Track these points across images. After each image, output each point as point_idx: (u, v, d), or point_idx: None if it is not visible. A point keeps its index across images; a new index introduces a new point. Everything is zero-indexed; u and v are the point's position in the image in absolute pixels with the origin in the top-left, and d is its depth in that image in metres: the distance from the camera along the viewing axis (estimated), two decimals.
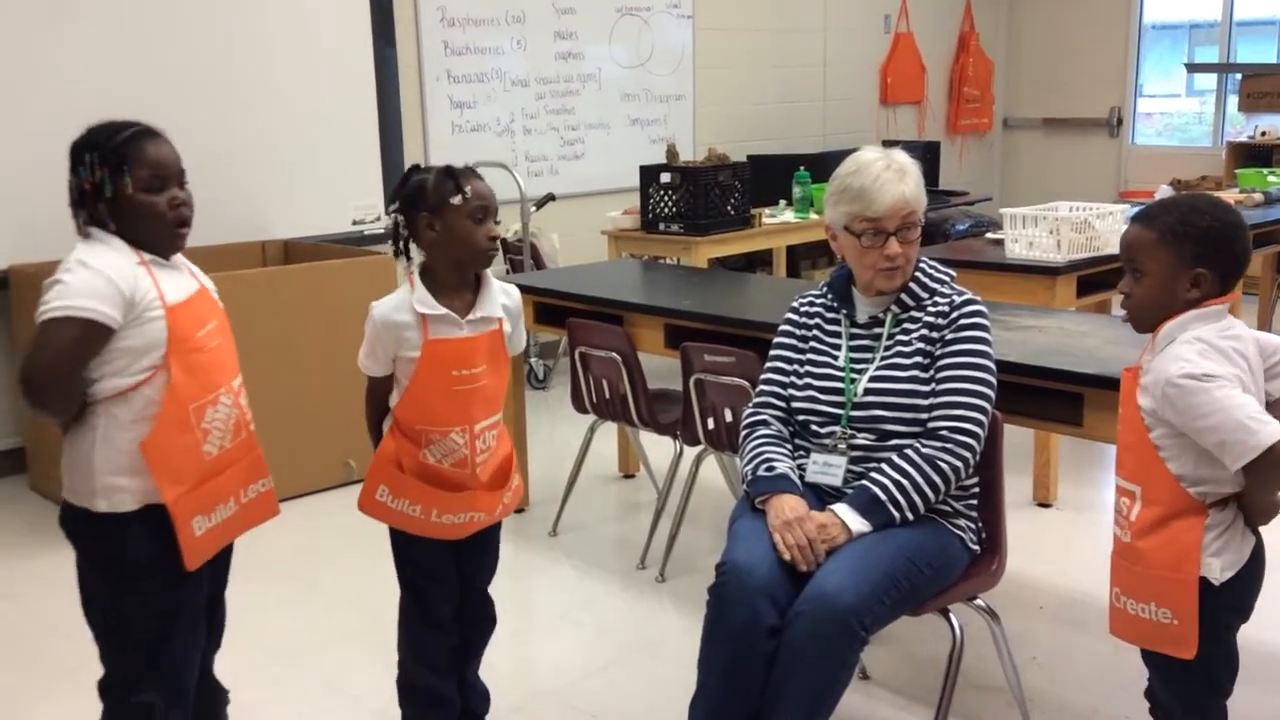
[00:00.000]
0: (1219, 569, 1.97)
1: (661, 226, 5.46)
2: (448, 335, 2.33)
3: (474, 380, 2.36)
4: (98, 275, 2.02)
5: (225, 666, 2.51)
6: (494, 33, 6.15)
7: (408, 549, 2.45)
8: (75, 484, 2.13)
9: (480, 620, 2.60)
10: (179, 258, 2.22)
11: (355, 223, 5.52)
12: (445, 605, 2.49)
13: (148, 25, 4.76)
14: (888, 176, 2.43)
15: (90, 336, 2.02)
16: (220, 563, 2.39)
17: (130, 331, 2.05)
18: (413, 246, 2.36)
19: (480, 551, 2.56)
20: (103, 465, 2.09)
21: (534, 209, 5.79)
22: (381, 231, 5.56)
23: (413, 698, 2.52)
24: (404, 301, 2.33)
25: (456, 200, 2.29)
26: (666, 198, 5.43)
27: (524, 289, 4.11)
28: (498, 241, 2.35)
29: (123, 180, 2.07)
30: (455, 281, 2.36)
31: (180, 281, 2.18)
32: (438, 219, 2.30)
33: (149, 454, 2.08)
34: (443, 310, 2.32)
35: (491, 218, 2.34)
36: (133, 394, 2.08)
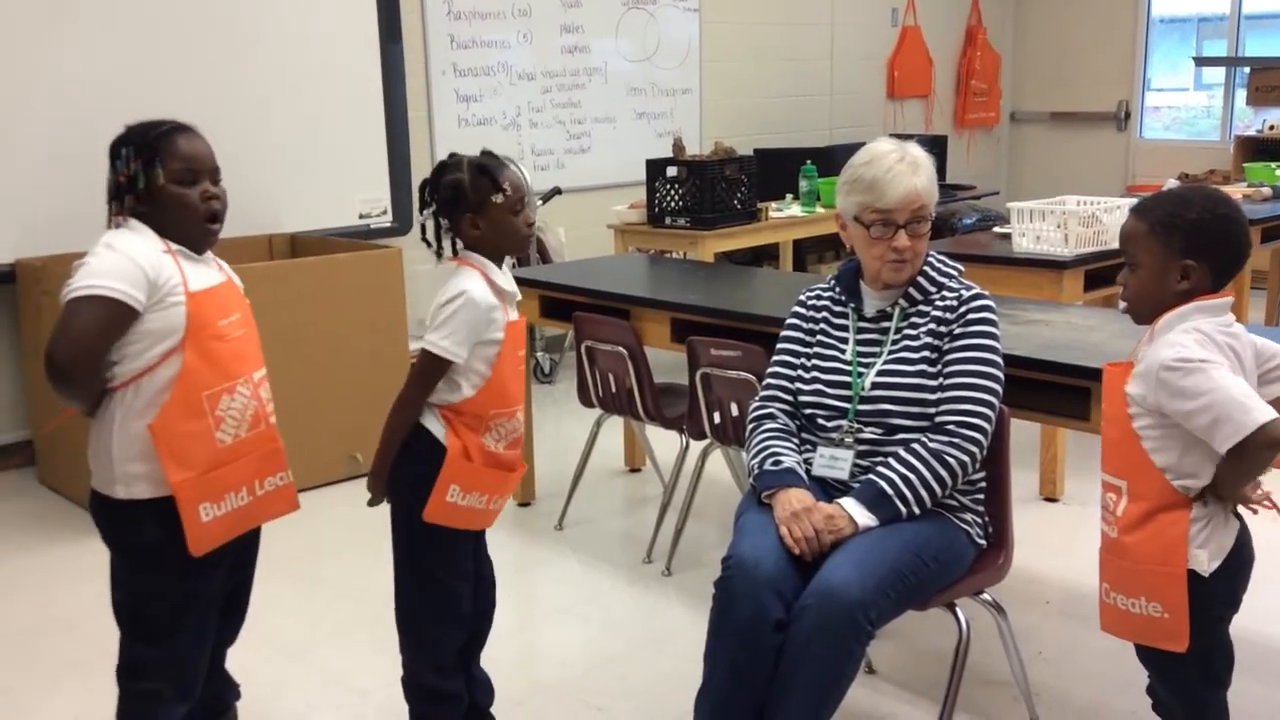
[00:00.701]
0: (1207, 560, 1.98)
1: (668, 220, 5.45)
2: (513, 317, 2.39)
3: (524, 359, 2.46)
4: (123, 258, 2.07)
5: (231, 660, 2.52)
6: (500, 26, 6.15)
7: (437, 549, 2.42)
8: (98, 471, 2.18)
9: (489, 610, 2.61)
10: (208, 253, 2.26)
11: (362, 216, 5.53)
12: (466, 601, 2.49)
13: (153, 21, 4.76)
14: (900, 169, 2.42)
15: (116, 316, 2.06)
16: (246, 552, 2.41)
17: (152, 315, 2.09)
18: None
19: (484, 539, 2.58)
20: (120, 453, 2.14)
21: (540, 203, 5.78)
22: (389, 225, 5.58)
23: (423, 697, 2.50)
24: (485, 284, 2.33)
25: (498, 199, 2.32)
26: (673, 192, 5.42)
27: (530, 283, 4.12)
28: (534, 225, 2.39)
29: (154, 172, 2.12)
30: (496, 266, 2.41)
31: (206, 272, 2.22)
32: (481, 218, 2.33)
33: (156, 435, 2.11)
34: (512, 288, 2.39)
35: (525, 204, 2.38)
36: (147, 380, 2.11)
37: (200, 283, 2.17)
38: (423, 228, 2.38)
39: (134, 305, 2.06)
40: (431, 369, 2.32)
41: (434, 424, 2.36)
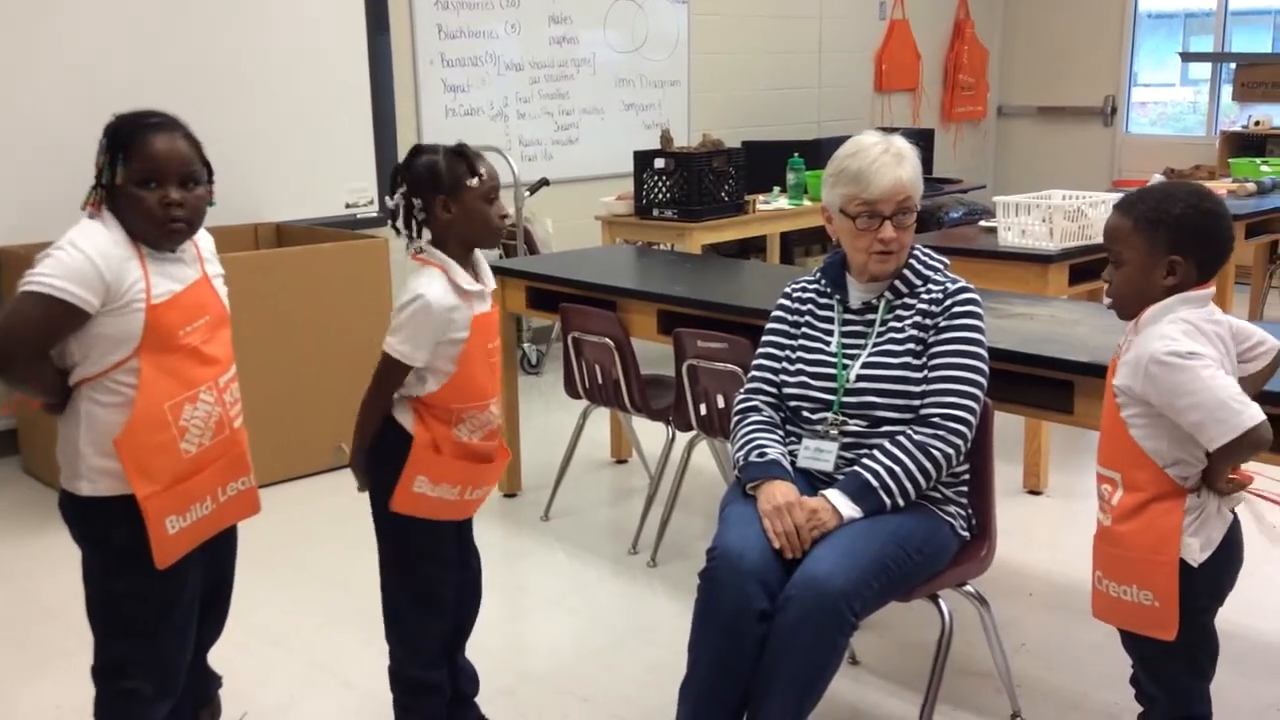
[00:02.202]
0: (1198, 549, 2.00)
1: (655, 212, 5.45)
2: (481, 310, 2.37)
3: (497, 351, 2.44)
4: (84, 258, 2.02)
5: (216, 650, 2.52)
6: (488, 16, 6.13)
7: (418, 538, 2.42)
8: (65, 468, 2.14)
9: (475, 600, 2.61)
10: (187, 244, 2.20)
11: (348, 206, 5.51)
12: (449, 590, 2.49)
13: (144, 9, 4.74)
14: (885, 160, 2.43)
15: (61, 317, 2.01)
16: (223, 551, 2.38)
17: (109, 319, 2.05)
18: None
19: (470, 529, 2.57)
20: (87, 449, 2.09)
21: (528, 194, 5.78)
22: (375, 215, 5.56)
23: (407, 688, 2.51)
24: (446, 284, 2.31)
25: (473, 183, 2.30)
26: (660, 183, 5.42)
27: (517, 274, 4.12)
28: (507, 219, 2.37)
29: (117, 171, 2.06)
30: (462, 258, 2.36)
31: (176, 273, 2.15)
32: (454, 201, 2.30)
33: (121, 450, 2.07)
34: (478, 285, 2.36)
35: (498, 194, 2.37)
36: (108, 378, 2.07)
37: (165, 288, 2.10)
38: (392, 214, 2.35)
39: (84, 308, 2.01)
40: (392, 370, 2.31)
41: (404, 416, 2.36)
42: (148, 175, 2.07)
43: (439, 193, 2.30)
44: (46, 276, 2.00)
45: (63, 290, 1.99)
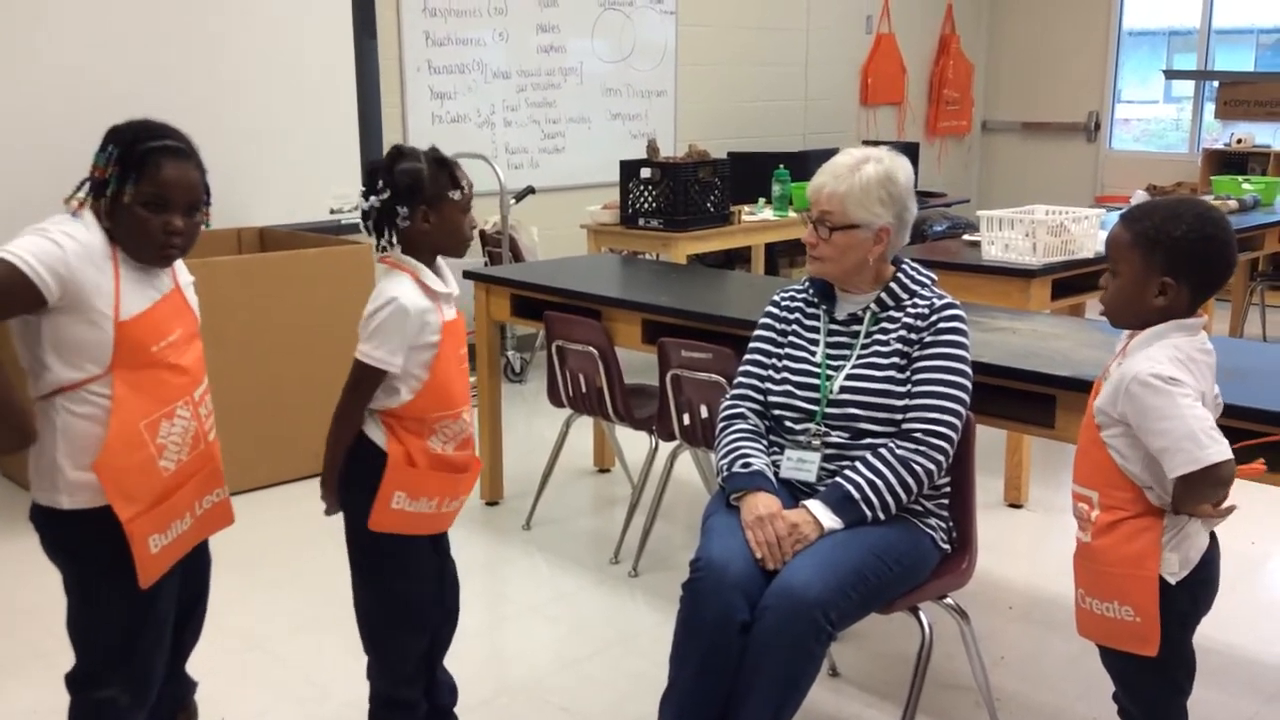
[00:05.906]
0: (1177, 565, 2.00)
1: (641, 222, 5.46)
2: (450, 317, 2.34)
3: (466, 358, 2.40)
4: (55, 243, 1.98)
5: (195, 654, 2.50)
6: (476, 24, 6.13)
7: (397, 554, 2.38)
8: (40, 482, 2.11)
9: (453, 611, 2.59)
10: None
11: (333, 211, 5.50)
12: (430, 606, 2.46)
13: (131, 12, 4.72)
14: (831, 170, 2.49)
15: (19, 289, 1.94)
16: (196, 567, 2.37)
17: (75, 321, 2.01)
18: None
19: (447, 541, 2.55)
20: (65, 462, 2.06)
21: (513, 202, 5.77)
22: (359, 221, 5.54)
23: (384, 704, 2.48)
24: (416, 287, 2.28)
25: (455, 195, 2.29)
26: (646, 193, 5.43)
27: (502, 281, 4.12)
28: (489, 228, 2.36)
29: (125, 188, 2.04)
30: (429, 265, 2.34)
31: (150, 285, 2.12)
32: (434, 212, 2.29)
33: (102, 474, 2.04)
34: (446, 288, 2.33)
35: (471, 206, 2.36)
36: (83, 390, 2.05)
37: (137, 304, 2.07)
38: (365, 214, 2.31)
39: (40, 289, 1.95)
40: (365, 379, 2.27)
41: (375, 431, 2.32)
42: (156, 200, 2.06)
43: (420, 203, 2.28)
44: (18, 248, 1.96)
45: (26, 264, 1.94)
